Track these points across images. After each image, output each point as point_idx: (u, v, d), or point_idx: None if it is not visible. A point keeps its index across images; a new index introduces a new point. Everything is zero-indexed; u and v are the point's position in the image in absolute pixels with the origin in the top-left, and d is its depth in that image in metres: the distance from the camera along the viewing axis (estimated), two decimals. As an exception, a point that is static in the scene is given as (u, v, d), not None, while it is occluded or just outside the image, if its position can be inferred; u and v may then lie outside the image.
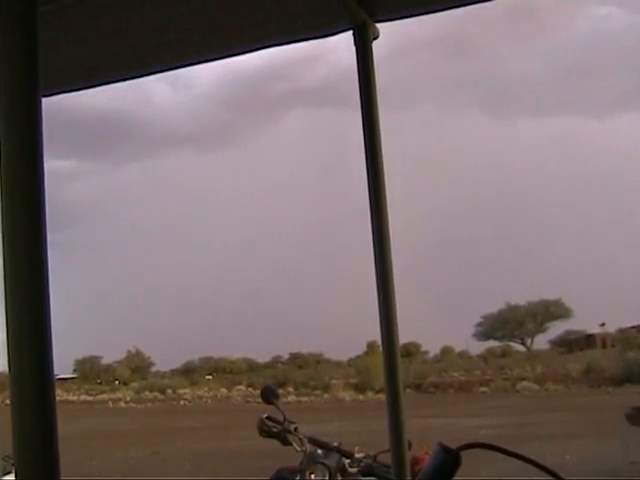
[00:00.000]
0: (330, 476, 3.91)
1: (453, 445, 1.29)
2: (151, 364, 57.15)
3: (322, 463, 3.96)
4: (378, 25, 2.22)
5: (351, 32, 2.19)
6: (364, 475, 4.03)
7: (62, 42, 1.97)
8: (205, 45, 2.25)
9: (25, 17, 0.94)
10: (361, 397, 38.39)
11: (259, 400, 4.31)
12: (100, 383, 52.46)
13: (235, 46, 2.26)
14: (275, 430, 4.17)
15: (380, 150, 2.18)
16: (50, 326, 0.90)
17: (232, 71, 50.73)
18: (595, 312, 46.50)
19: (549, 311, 49.63)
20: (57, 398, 0.92)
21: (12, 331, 0.88)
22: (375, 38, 2.21)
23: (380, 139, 2.19)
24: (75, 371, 54.81)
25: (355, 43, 2.19)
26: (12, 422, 0.87)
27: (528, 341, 51.37)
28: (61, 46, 1.99)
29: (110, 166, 69.69)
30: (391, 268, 2.14)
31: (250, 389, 42.89)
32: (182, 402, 43.00)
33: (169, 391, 46.75)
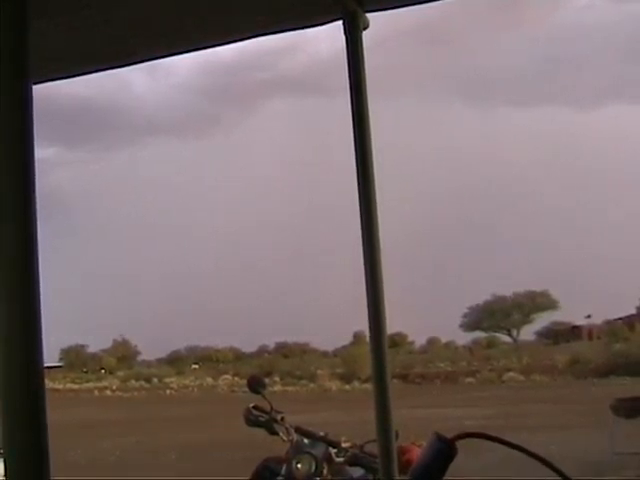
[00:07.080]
0: (316, 466, 3.93)
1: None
2: (137, 353, 57.09)
3: (308, 453, 3.97)
4: (368, 15, 2.21)
5: (340, 22, 2.19)
6: (350, 465, 4.04)
7: (50, 30, 1.96)
8: (194, 34, 2.24)
9: (14, 4, 0.93)
10: (347, 387, 38.44)
11: (245, 389, 4.33)
12: (86, 372, 52.32)
13: (224, 35, 2.25)
14: (262, 420, 4.18)
15: (369, 140, 2.18)
16: (40, 315, 0.90)
17: (210, 61, 50.67)
18: (581, 304, 46.68)
19: (535, 302, 49.88)
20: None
21: (1, 320, 0.88)
22: (365, 28, 2.21)
23: (369, 129, 2.19)
24: (61, 359, 54.64)
25: (345, 33, 2.18)
26: (1, 411, 0.87)
27: (514, 332, 51.66)
28: (49, 34, 1.98)
29: (91, 154, 69.45)
30: (379, 258, 2.14)
31: (236, 378, 42.87)
32: (168, 391, 42.97)
33: (155, 380, 46.70)
